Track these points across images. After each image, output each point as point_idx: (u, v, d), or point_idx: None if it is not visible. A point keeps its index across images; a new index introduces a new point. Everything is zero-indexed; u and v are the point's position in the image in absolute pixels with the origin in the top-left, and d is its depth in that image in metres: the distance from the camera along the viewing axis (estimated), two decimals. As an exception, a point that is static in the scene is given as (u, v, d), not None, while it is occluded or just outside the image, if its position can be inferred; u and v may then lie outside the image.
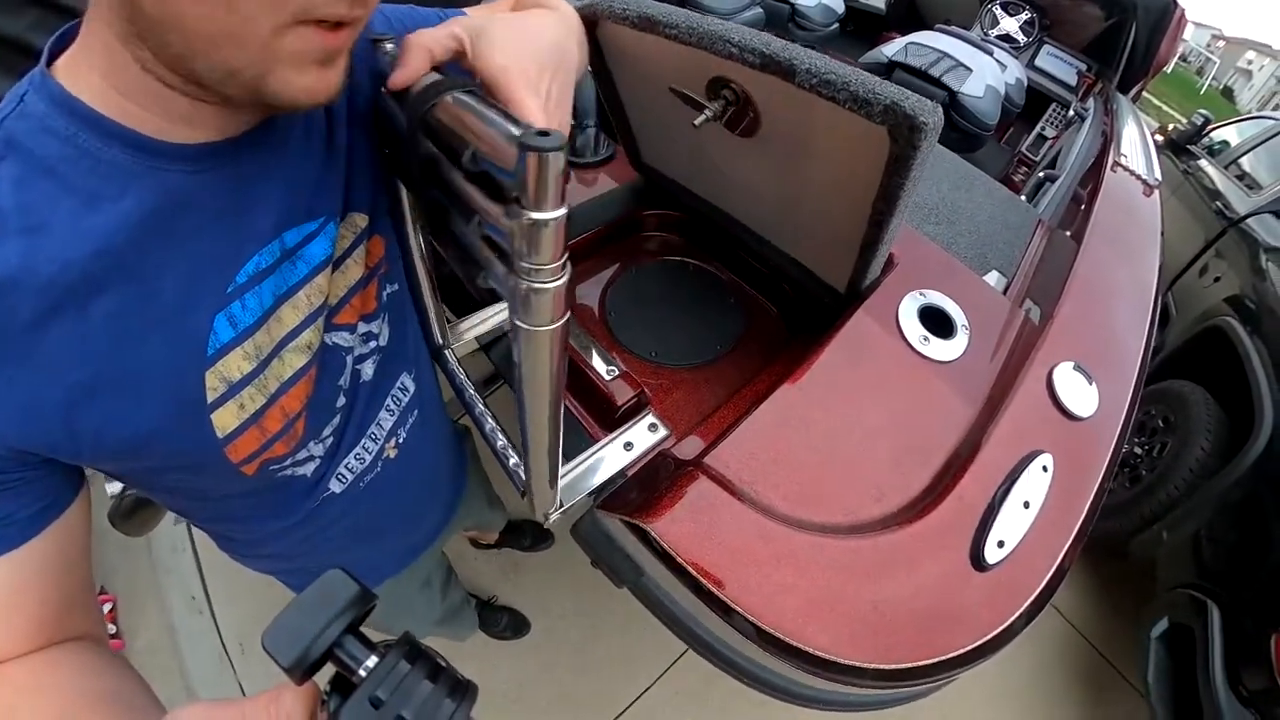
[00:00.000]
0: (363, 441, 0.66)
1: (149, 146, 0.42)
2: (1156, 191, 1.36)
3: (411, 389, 0.72)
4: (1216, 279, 2.33)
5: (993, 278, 0.95)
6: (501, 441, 0.75)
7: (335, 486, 0.65)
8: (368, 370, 0.64)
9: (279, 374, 0.52)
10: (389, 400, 0.68)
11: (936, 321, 0.71)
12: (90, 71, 0.41)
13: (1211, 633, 1.53)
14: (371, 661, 0.38)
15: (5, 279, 0.38)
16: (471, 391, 0.81)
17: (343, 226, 0.56)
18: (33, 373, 0.40)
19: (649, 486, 0.61)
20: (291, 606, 0.37)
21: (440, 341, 0.81)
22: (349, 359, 0.60)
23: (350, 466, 0.66)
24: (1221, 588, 1.61)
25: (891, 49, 2.02)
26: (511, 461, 0.73)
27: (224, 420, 0.49)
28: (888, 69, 1.97)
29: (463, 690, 0.40)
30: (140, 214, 0.42)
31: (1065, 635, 2.05)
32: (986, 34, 2.54)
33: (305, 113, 0.51)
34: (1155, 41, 2.15)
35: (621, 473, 0.69)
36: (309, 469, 0.61)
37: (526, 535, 1.92)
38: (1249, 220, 2.33)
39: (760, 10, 2.54)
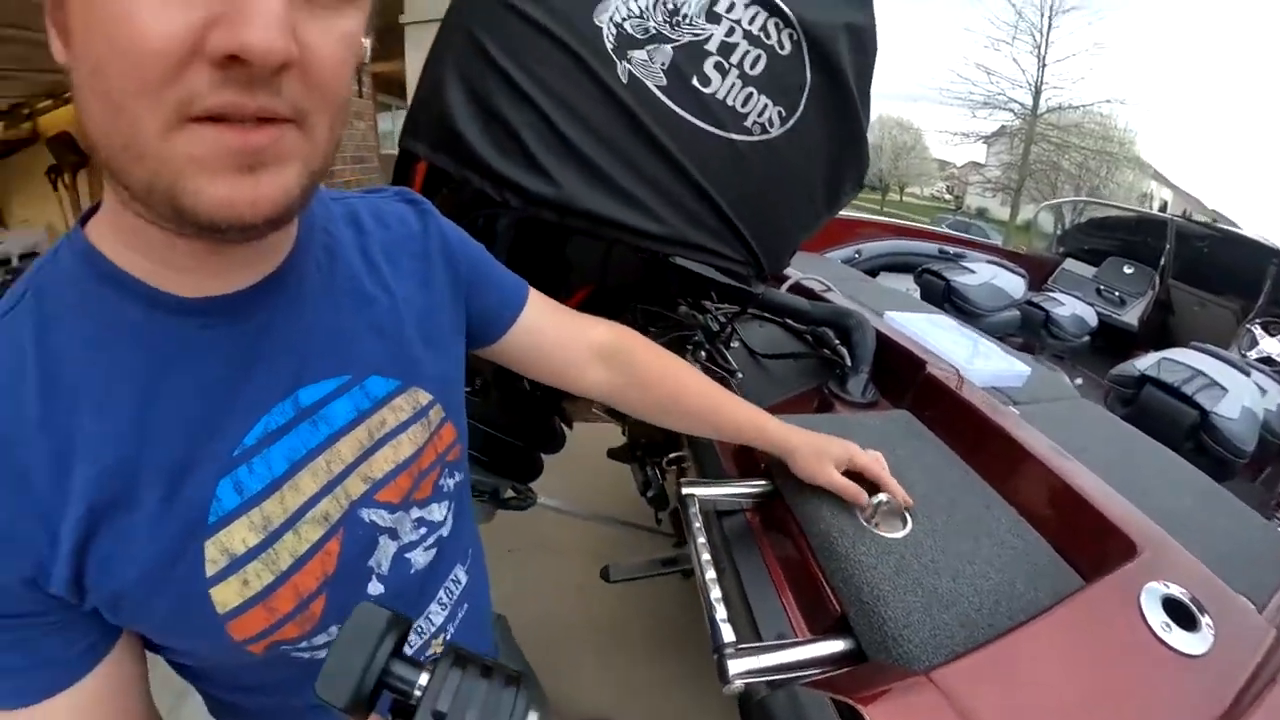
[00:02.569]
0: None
1: (160, 300, 0.42)
2: None
3: (464, 581, 0.68)
4: None
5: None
6: (716, 593, 0.75)
7: None
8: (419, 559, 0.59)
9: (292, 549, 0.48)
10: (441, 593, 0.64)
11: (1179, 613, 0.71)
12: (106, 226, 0.43)
13: None
14: (424, 679, 0.38)
15: (12, 434, 0.38)
16: (702, 539, 0.81)
17: (402, 396, 0.55)
18: (45, 514, 0.39)
19: (858, 674, 0.65)
20: (332, 650, 0.38)
21: (690, 491, 0.85)
22: (389, 542, 0.55)
23: None
24: None
25: (1144, 363, 2.06)
26: (719, 615, 0.73)
27: (224, 596, 0.45)
28: (1138, 383, 2.00)
29: (517, 680, 0.40)
30: (146, 369, 0.42)
31: None
32: (1245, 355, 2.45)
33: (329, 269, 0.52)
34: None
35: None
36: None
37: None
38: None
39: (1017, 313, 2.75)
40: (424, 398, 0.57)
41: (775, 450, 0.81)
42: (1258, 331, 2.51)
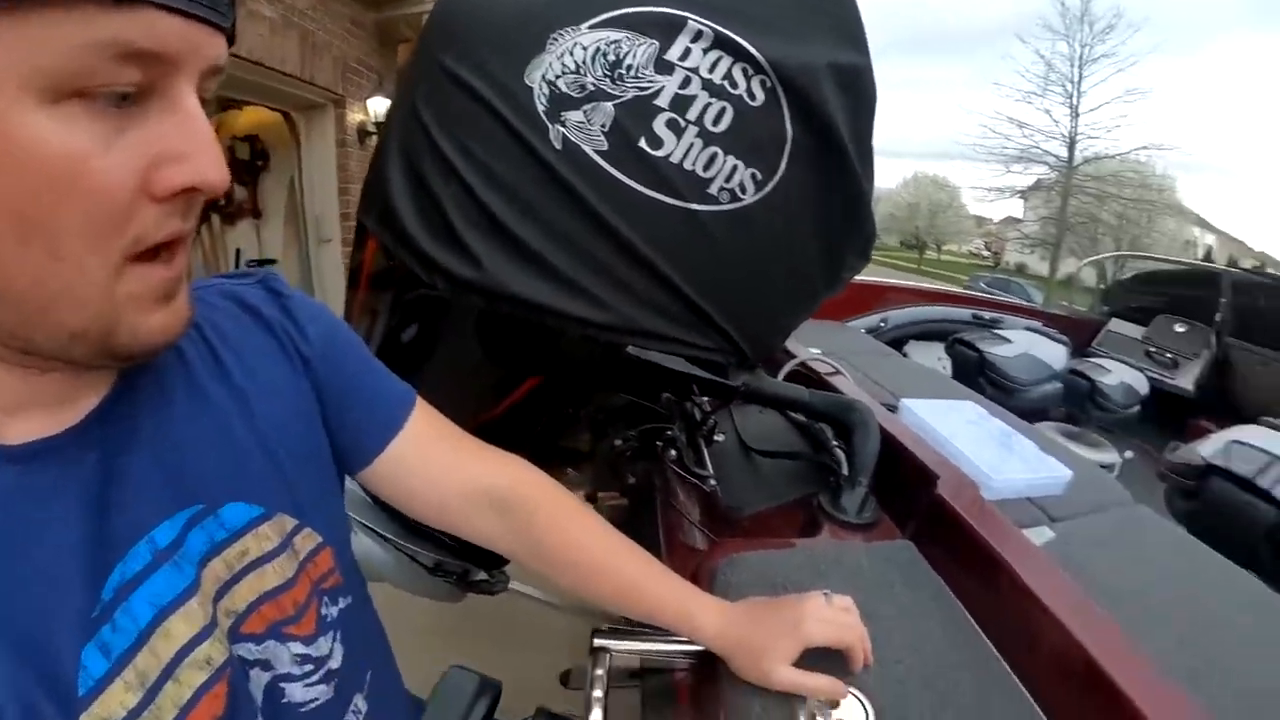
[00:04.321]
0: None
1: None
2: None
3: (364, 709, 0.61)
4: None
5: None
6: None
7: None
8: (299, 694, 0.54)
9: (175, 699, 0.43)
10: None
11: None
12: None
13: None
14: None
15: None
16: (597, 713, 0.65)
17: (267, 524, 0.50)
18: None
19: None
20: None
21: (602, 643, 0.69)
22: (262, 675, 0.51)
23: None
24: None
25: (1209, 448, 1.74)
26: None
27: None
28: (1202, 473, 1.70)
29: None
30: None
31: None
32: (1327, 424, 2.16)
33: (164, 378, 0.47)
34: None
35: None
36: None
37: None
38: None
39: (1059, 385, 2.55)
40: (289, 523, 0.52)
41: (707, 648, 0.65)
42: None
